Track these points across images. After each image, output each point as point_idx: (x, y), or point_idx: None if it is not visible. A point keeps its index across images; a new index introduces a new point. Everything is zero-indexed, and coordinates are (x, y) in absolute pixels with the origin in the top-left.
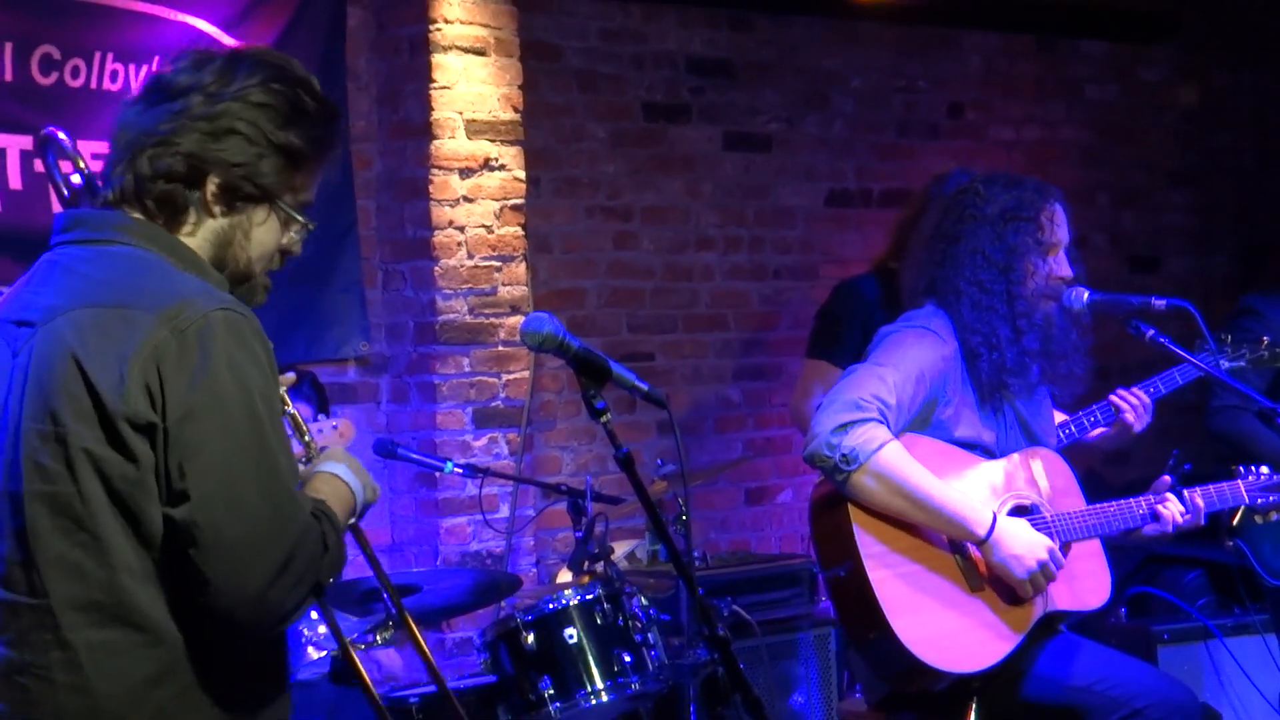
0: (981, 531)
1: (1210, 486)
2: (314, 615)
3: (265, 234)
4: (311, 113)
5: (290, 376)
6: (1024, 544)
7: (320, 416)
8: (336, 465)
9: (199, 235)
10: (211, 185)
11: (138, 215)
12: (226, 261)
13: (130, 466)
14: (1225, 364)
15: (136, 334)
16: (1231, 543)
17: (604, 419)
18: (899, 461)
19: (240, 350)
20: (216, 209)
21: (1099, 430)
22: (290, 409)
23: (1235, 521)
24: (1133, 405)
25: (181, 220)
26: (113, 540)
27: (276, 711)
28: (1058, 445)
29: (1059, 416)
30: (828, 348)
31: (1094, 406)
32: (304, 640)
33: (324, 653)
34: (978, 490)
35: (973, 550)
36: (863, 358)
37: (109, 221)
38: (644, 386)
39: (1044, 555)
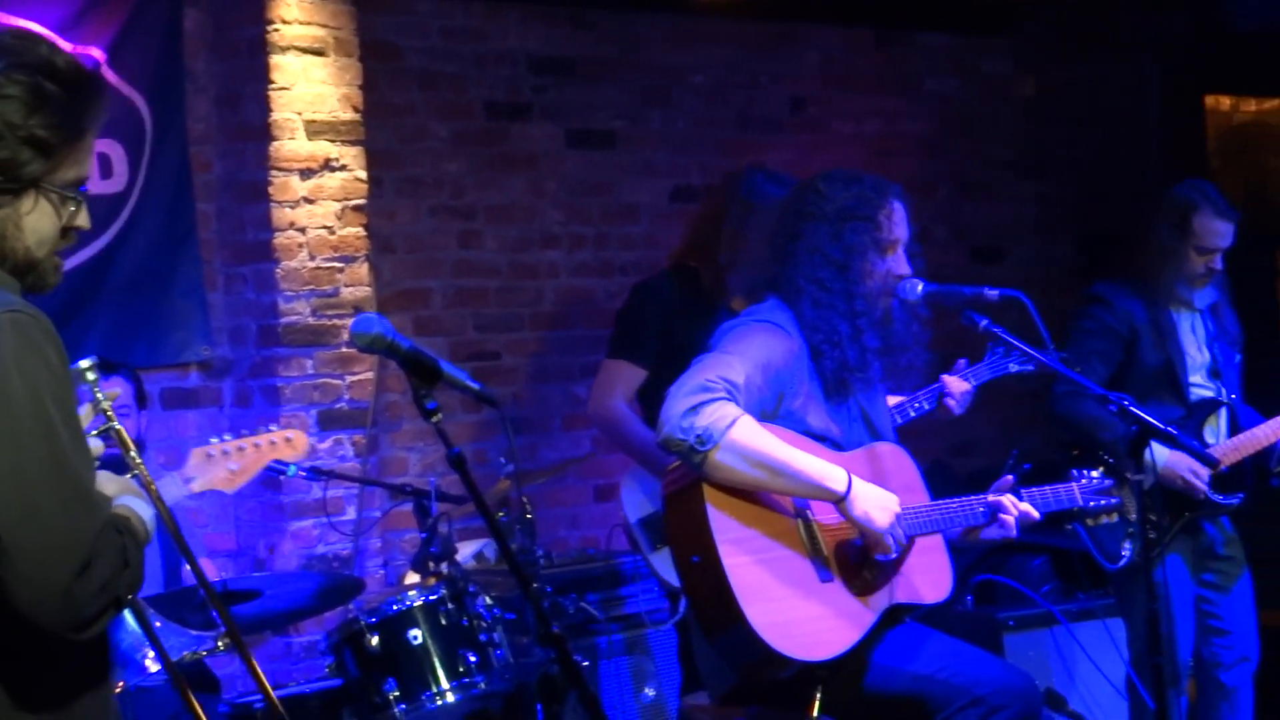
0: (840, 488)
1: (1047, 489)
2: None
3: (38, 220)
4: (54, 98)
5: (114, 391)
6: (878, 497)
7: (265, 426)
8: (134, 500)
9: None
10: None
11: None
12: (5, 254)
13: None
14: (1014, 368)
15: None
16: (1069, 526)
17: (435, 419)
18: (753, 434)
19: (29, 353)
20: None
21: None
22: (119, 427)
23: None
24: (959, 393)
25: None
26: None
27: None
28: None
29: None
30: (627, 348)
31: (918, 393)
32: (140, 656)
33: (160, 667)
34: None
35: (822, 541)
36: (705, 351)
37: None
38: (475, 386)
39: (897, 508)
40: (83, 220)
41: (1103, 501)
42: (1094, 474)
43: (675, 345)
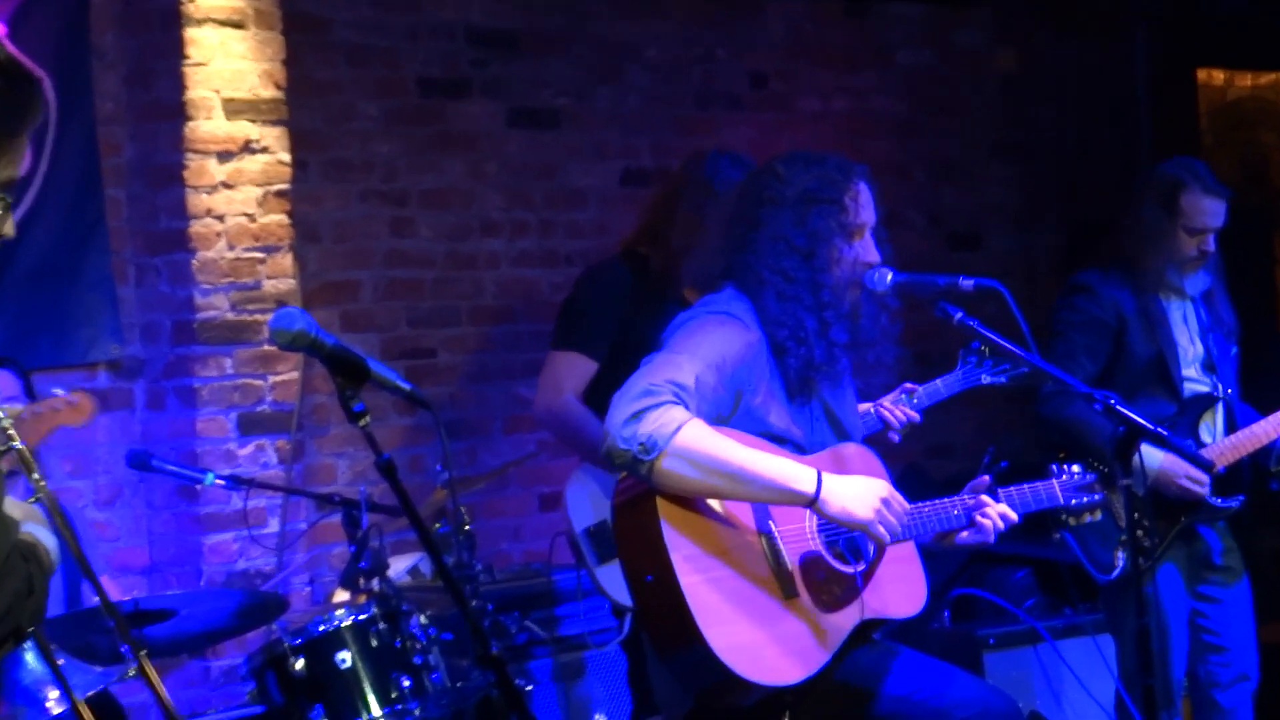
0: (809, 489)
1: (1025, 487)
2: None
3: None
4: None
5: (16, 408)
6: (857, 488)
7: (50, 391)
8: (38, 528)
9: None
10: None
11: None
12: None
13: None
14: (986, 379)
15: None
16: (1058, 535)
17: (363, 422)
18: (703, 437)
19: None
20: None
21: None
22: (19, 444)
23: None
24: (897, 420)
25: None
26: None
27: None
28: None
29: None
30: (578, 338)
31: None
32: (42, 695)
33: (64, 707)
34: None
35: (786, 555)
36: (656, 347)
37: None
38: (406, 386)
39: (884, 491)
40: (8, 229)
41: (1085, 498)
42: (1074, 469)
43: (629, 338)
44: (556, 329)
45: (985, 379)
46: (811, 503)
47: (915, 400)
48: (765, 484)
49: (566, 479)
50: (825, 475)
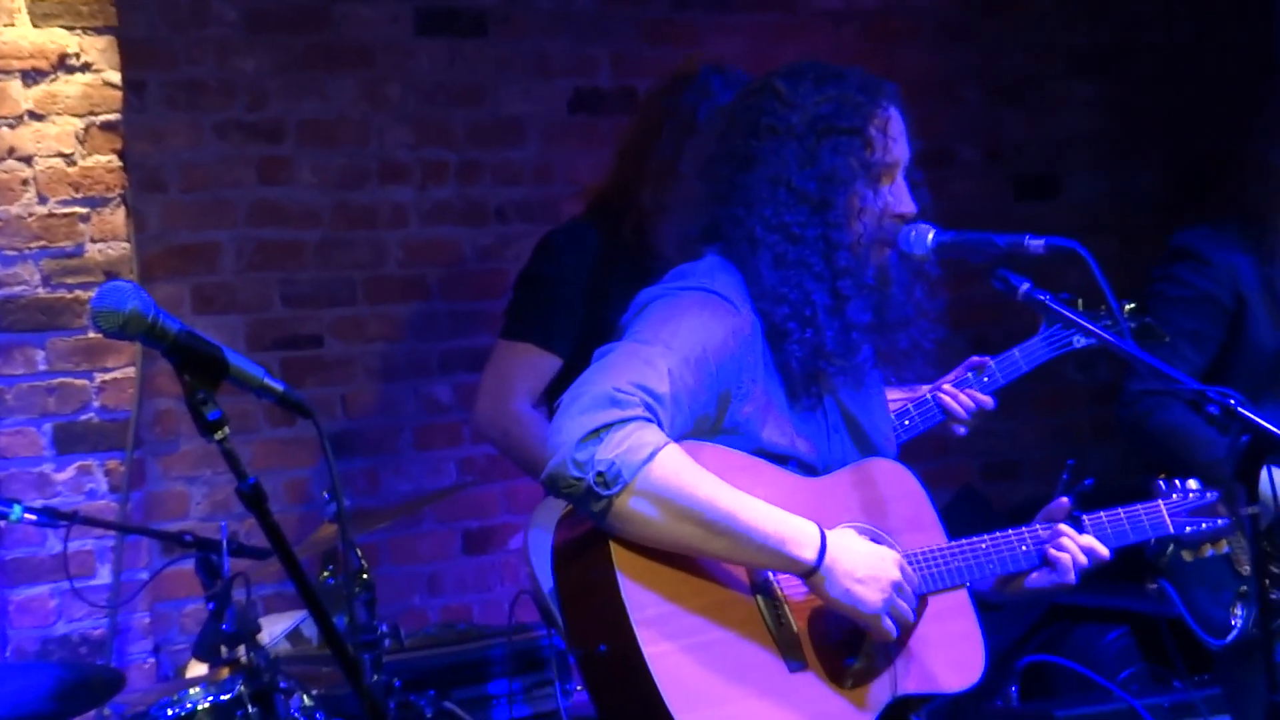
0: (810, 555)
1: (1121, 511)
2: None
3: None
4: None
5: None
6: (869, 562)
7: None
8: None
9: None
10: None
11: None
12: None
13: None
14: (1079, 342)
15: None
16: (1155, 584)
17: (219, 435)
18: (680, 472)
19: None
20: None
21: (914, 435)
22: None
23: (1163, 555)
24: (963, 408)
25: None
26: None
27: None
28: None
29: None
30: (535, 326)
31: (909, 406)
32: None
33: None
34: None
35: (790, 612)
36: (617, 335)
37: None
38: (278, 386)
39: (897, 573)
40: None
41: (1203, 525)
42: (1191, 485)
43: (600, 325)
44: (508, 312)
45: (1078, 341)
46: (810, 573)
47: (985, 379)
48: (755, 542)
49: (530, 519)
50: (831, 538)
